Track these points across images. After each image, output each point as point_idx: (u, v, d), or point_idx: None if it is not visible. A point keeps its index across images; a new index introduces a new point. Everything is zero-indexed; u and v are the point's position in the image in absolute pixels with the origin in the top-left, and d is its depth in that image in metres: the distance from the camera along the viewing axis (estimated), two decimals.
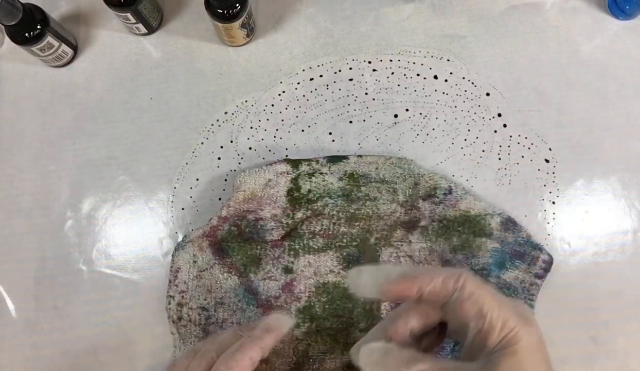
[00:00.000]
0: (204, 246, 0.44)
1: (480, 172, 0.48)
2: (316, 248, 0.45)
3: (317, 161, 0.46)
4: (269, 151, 0.49)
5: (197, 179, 0.49)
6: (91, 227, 0.48)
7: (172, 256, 0.45)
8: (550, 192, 0.47)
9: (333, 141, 0.49)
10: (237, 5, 0.46)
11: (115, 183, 0.49)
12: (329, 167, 0.46)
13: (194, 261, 0.44)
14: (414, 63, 0.51)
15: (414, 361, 0.26)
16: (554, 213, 0.47)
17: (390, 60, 0.51)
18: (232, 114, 0.50)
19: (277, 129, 0.50)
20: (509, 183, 0.48)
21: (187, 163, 0.49)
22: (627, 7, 0.50)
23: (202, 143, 0.50)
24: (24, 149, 0.50)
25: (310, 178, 0.46)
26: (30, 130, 0.51)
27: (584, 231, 0.47)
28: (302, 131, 0.50)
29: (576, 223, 0.47)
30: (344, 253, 0.44)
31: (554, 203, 0.47)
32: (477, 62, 0.51)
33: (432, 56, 0.51)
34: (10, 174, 0.50)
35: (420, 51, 0.51)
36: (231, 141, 0.50)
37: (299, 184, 0.46)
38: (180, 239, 0.47)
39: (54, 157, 0.50)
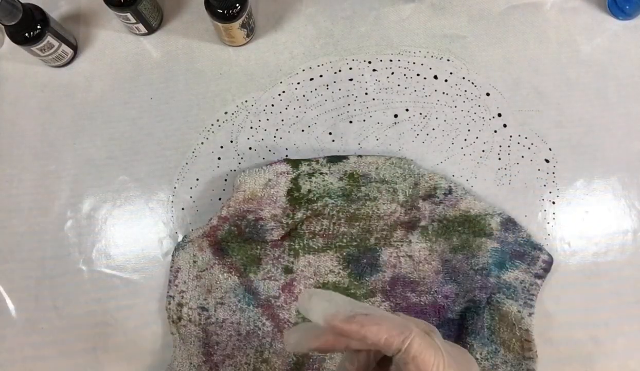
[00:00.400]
0: (204, 246, 0.44)
1: (480, 172, 0.48)
2: (316, 248, 0.45)
3: (317, 161, 0.46)
4: (269, 151, 0.49)
5: (197, 179, 0.49)
6: (91, 227, 0.48)
7: (172, 256, 0.45)
8: (550, 192, 0.47)
9: (333, 141, 0.49)
10: (237, 5, 0.46)
11: (115, 183, 0.49)
12: (329, 167, 0.46)
13: (194, 261, 0.44)
14: (414, 63, 0.51)
15: None
16: (554, 213, 0.47)
17: (390, 61, 0.51)
18: (232, 114, 0.50)
19: (277, 129, 0.50)
20: (509, 183, 0.48)
21: (187, 163, 0.49)
22: (627, 7, 0.50)
23: (202, 143, 0.50)
24: (24, 149, 0.50)
25: (310, 178, 0.46)
26: (30, 130, 0.51)
27: (584, 231, 0.47)
28: (302, 131, 0.50)
29: (576, 223, 0.47)
30: (344, 253, 0.44)
31: (554, 203, 0.47)
32: (477, 62, 0.51)
33: (432, 56, 0.51)
34: (10, 174, 0.50)
35: (420, 51, 0.51)
36: (231, 141, 0.50)
37: (299, 184, 0.46)
38: (180, 239, 0.47)
39: (54, 157, 0.50)
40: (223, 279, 0.44)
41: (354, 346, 0.28)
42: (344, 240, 0.45)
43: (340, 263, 0.44)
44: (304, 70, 0.51)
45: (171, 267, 0.45)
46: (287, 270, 0.44)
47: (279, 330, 0.43)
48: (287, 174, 0.46)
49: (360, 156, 0.47)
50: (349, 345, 0.28)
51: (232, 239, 0.44)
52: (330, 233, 0.45)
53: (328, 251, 0.45)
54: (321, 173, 0.46)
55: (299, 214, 0.45)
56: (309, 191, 0.45)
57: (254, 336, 0.43)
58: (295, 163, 0.46)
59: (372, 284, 0.44)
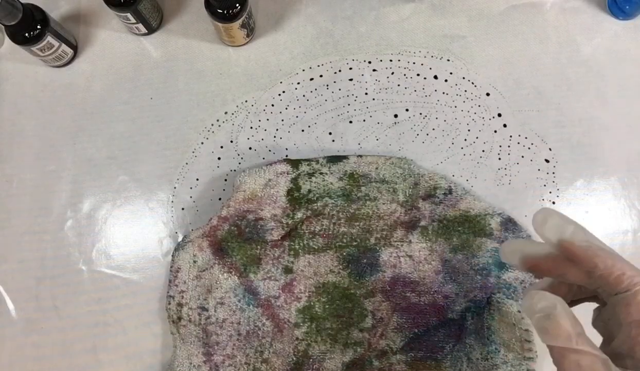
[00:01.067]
0: (203, 246, 0.44)
1: (480, 172, 0.48)
2: (316, 248, 0.45)
3: (317, 161, 0.46)
4: (269, 151, 0.49)
5: (197, 179, 0.49)
6: (91, 227, 0.48)
7: (172, 256, 0.45)
8: (550, 192, 0.47)
9: (333, 141, 0.49)
10: (237, 5, 0.46)
11: (115, 183, 0.49)
12: (329, 167, 0.46)
13: (194, 261, 0.44)
14: (414, 63, 0.51)
15: (582, 339, 0.25)
16: None
17: (390, 61, 0.51)
18: (232, 114, 0.50)
19: (277, 129, 0.50)
20: (509, 183, 0.48)
21: (187, 163, 0.49)
22: (627, 7, 0.50)
23: (202, 143, 0.50)
24: (24, 149, 0.50)
25: (310, 178, 0.46)
26: (30, 130, 0.51)
27: None
28: (302, 131, 0.50)
29: None
30: (344, 253, 0.44)
31: (554, 203, 0.47)
32: (477, 62, 0.51)
33: (432, 56, 0.51)
34: (10, 174, 0.50)
35: (420, 51, 0.51)
36: (231, 141, 0.50)
37: (299, 184, 0.46)
38: (180, 239, 0.47)
39: (54, 157, 0.50)
40: (223, 280, 0.44)
41: (569, 276, 0.28)
42: (344, 240, 0.45)
43: (340, 262, 0.44)
44: (304, 70, 0.51)
45: (171, 267, 0.45)
46: (287, 270, 0.44)
47: (279, 330, 0.43)
48: (287, 174, 0.46)
49: (360, 156, 0.47)
50: (565, 274, 0.28)
51: (232, 239, 0.44)
52: (330, 232, 0.45)
53: (328, 251, 0.45)
54: (321, 173, 0.46)
55: (299, 214, 0.45)
56: (309, 191, 0.45)
57: (254, 336, 0.43)
58: (295, 163, 0.46)
59: (372, 284, 0.44)
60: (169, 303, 0.44)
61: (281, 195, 0.45)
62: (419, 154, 0.49)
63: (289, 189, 0.45)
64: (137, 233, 0.48)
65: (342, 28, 0.53)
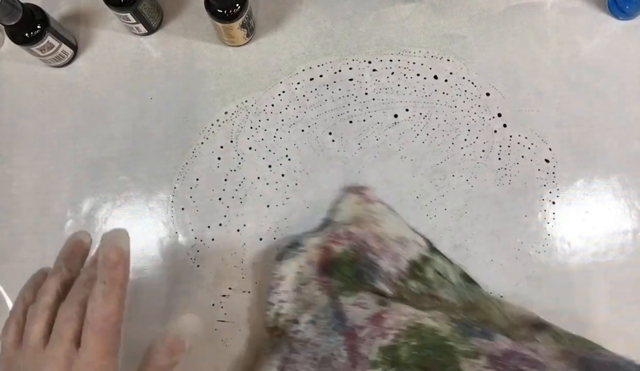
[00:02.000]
0: (314, 261, 0.42)
1: (480, 172, 0.48)
2: (422, 307, 0.39)
3: (452, 263, 0.45)
4: (269, 151, 0.49)
5: (197, 179, 0.49)
6: (91, 227, 0.48)
7: (278, 259, 0.43)
8: (550, 192, 0.47)
9: (333, 141, 0.49)
10: (237, 5, 0.46)
11: (115, 183, 0.49)
12: (457, 276, 0.44)
13: (299, 272, 0.42)
14: (414, 63, 0.51)
15: None
16: (554, 213, 0.47)
17: (390, 61, 0.51)
18: (232, 114, 0.50)
19: (277, 129, 0.50)
20: (509, 183, 0.48)
21: (187, 163, 0.49)
22: (627, 7, 0.50)
23: (202, 143, 0.50)
24: (24, 149, 0.50)
25: (436, 272, 0.43)
26: (30, 130, 0.51)
27: (584, 231, 0.47)
28: (302, 131, 0.50)
29: (576, 223, 0.47)
30: (453, 316, 0.38)
31: (554, 203, 0.47)
32: (477, 62, 0.51)
33: (432, 56, 0.51)
34: (10, 174, 0.50)
35: (420, 51, 0.51)
36: (231, 141, 0.50)
37: (425, 267, 0.43)
38: (287, 243, 0.44)
39: (54, 157, 0.50)
40: (318, 297, 0.41)
41: None
42: (459, 314, 0.40)
43: (445, 319, 0.37)
44: (304, 70, 0.51)
45: (274, 273, 0.42)
46: (382, 303, 0.39)
47: (352, 364, 0.37)
48: (422, 247, 0.44)
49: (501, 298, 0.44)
50: None
51: (344, 265, 0.42)
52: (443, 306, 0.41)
53: (435, 310, 0.38)
54: (447, 276, 0.44)
55: (414, 285, 0.42)
56: (431, 280, 0.43)
57: (327, 364, 0.38)
58: (433, 248, 0.45)
59: (478, 344, 0.35)
60: (268, 310, 0.42)
61: (406, 259, 0.43)
62: (419, 154, 0.49)
63: (415, 261, 0.43)
64: (137, 233, 0.48)
65: (342, 28, 0.53)
